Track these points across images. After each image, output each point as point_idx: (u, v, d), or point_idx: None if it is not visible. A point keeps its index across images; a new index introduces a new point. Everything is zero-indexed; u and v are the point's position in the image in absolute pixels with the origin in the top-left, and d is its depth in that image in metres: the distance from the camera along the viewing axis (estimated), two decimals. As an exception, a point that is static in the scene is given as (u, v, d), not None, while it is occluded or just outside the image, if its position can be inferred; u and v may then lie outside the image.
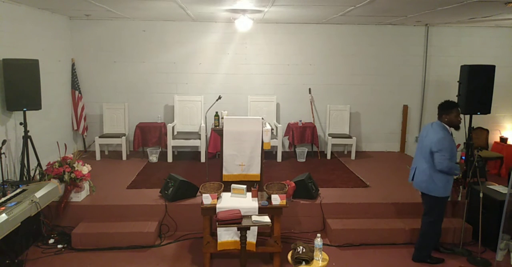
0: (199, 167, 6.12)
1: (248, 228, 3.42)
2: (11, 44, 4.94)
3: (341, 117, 7.18)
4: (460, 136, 5.85)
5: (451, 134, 3.85)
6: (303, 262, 3.07)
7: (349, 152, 7.01)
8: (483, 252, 4.21)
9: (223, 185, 3.96)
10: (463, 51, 7.19)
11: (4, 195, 3.51)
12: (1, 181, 3.98)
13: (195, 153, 6.85)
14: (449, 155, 3.72)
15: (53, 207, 4.46)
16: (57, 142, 4.95)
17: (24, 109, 4.68)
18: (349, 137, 6.95)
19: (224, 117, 4.74)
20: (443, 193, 3.86)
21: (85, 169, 4.68)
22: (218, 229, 3.60)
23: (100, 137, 6.59)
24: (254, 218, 3.40)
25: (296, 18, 6.51)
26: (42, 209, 3.70)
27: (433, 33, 7.21)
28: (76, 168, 4.57)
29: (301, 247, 3.17)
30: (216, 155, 6.45)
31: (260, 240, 3.88)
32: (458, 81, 5.23)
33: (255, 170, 4.64)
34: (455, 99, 5.31)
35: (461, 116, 3.93)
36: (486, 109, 5.16)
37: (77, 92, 6.72)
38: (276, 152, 6.70)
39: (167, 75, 7.10)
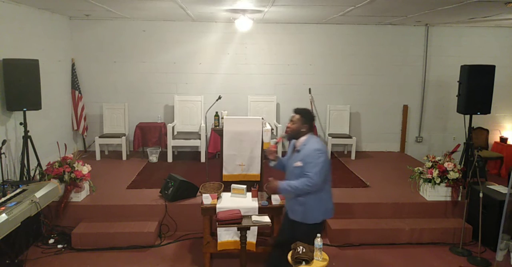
0: (199, 167, 6.11)
1: (248, 228, 3.42)
2: (11, 44, 4.94)
3: (341, 117, 7.18)
4: (460, 136, 5.86)
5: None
6: (303, 262, 3.06)
7: (349, 152, 7.00)
8: (483, 252, 4.21)
9: (223, 185, 3.96)
10: (463, 51, 7.19)
11: (4, 195, 3.51)
12: (1, 181, 3.98)
13: (195, 153, 6.85)
14: None
15: (53, 207, 4.46)
16: (57, 142, 4.95)
17: (24, 109, 4.68)
18: (349, 137, 6.95)
19: (224, 117, 4.74)
20: None
21: (85, 169, 4.68)
22: (218, 229, 3.60)
23: (100, 137, 6.59)
24: (254, 218, 3.40)
25: (296, 18, 6.51)
26: (42, 209, 3.70)
27: (433, 33, 7.20)
28: (76, 168, 4.57)
29: (301, 247, 3.16)
30: (216, 155, 6.45)
31: (260, 240, 3.88)
32: (458, 81, 5.23)
33: (255, 170, 4.64)
34: (455, 99, 5.33)
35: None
36: (486, 109, 5.16)
37: (77, 92, 6.72)
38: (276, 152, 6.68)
39: (167, 75, 7.09)
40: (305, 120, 3.12)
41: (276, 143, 3.34)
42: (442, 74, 7.26)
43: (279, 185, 3.08)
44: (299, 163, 3.05)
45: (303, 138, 3.13)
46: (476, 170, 4.35)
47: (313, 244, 3.13)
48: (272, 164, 3.37)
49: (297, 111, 3.18)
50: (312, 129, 3.18)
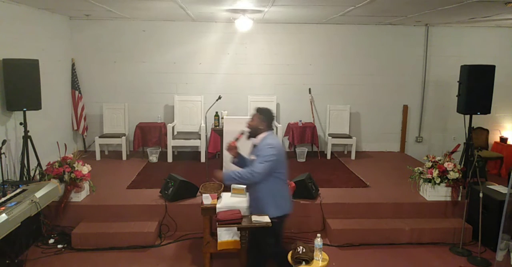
0: (199, 167, 6.11)
1: (248, 228, 3.42)
2: (11, 44, 4.94)
3: (341, 117, 7.18)
4: (460, 136, 5.84)
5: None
6: (303, 262, 3.07)
7: (349, 152, 7.00)
8: (483, 252, 4.21)
9: (223, 185, 3.96)
10: (463, 51, 7.19)
11: (4, 195, 3.51)
12: (1, 181, 3.98)
13: (195, 153, 6.85)
14: None
15: (53, 207, 4.46)
16: (57, 142, 4.95)
17: (24, 109, 4.68)
18: (349, 137, 6.95)
19: (224, 117, 4.75)
20: None
21: (85, 169, 4.68)
22: (218, 229, 3.60)
23: (100, 137, 6.59)
24: (254, 218, 3.39)
25: (296, 18, 6.51)
26: (42, 209, 3.70)
27: (433, 33, 7.20)
28: (76, 168, 4.57)
29: (301, 247, 3.17)
30: (216, 155, 6.45)
31: (260, 240, 3.88)
32: (458, 81, 5.23)
33: (255, 170, 4.63)
34: (455, 99, 5.33)
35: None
36: (486, 109, 5.15)
37: (77, 92, 6.72)
38: (276, 152, 6.68)
39: (167, 75, 7.09)
40: (264, 118, 3.27)
41: (236, 139, 3.39)
42: (442, 74, 7.27)
43: (224, 172, 3.21)
44: (253, 157, 3.21)
45: (261, 135, 3.26)
46: (476, 170, 4.35)
47: (271, 239, 3.21)
48: (233, 160, 3.45)
49: (257, 109, 3.34)
50: (271, 127, 3.31)
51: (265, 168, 3.08)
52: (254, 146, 3.31)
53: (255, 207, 3.32)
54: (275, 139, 3.25)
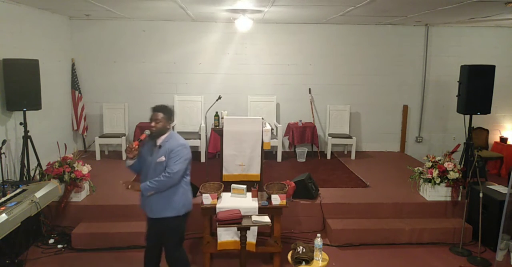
0: (199, 167, 6.11)
1: (248, 228, 3.42)
2: (11, 44, 4.94)
3: (341, 117, 7.18)
4: (460, 136, 5.84)
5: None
6: (303, 262, 3.07)
7: (349, 152, 7.00)
8: (483, 252, 4.21)
9: (223, 185, 3.96)
10: (463, 51, 7.19)
11: (4, 195, 3.51)
12: (1, 181, 3.98)
13: (195, 153, 6.82)
14: None
15: (53, 207, 4.46)
16: (57, 142, 4.95)
17: (24, 109, 4.68)
18: (349, 137, 6.95)
19: (224, 117, 4.75)
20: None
21: (85, 169, 4.68)
22: (218, 229, 3.60)
23: (100, 137, 6.59)
24: (254, 218, 3.40)
25: (296, 18, 6.51)
26: (42, 209, 3.70)
27: (433, 33, 7.20)
28: (76, 168, 4.57)
29: (301, 247, 3.17)
30: (216, 155, 6.45)
31: (260, 240, 3.88)
32: (458, 81, 5.24)
33: (255, 170, 4.65)
34: (455, 99, 5.33)
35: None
36: (486, 109, 5.16)
37: (77, 92, 6.72)
38: (276, 152, 6.70)
39: (167, 75, 7.09)
40: (169, 117, 3.20)
41: (140, 140, 3.23)
42: (442, 74, 7.27)
43: (141, 186, 3.11)
44: (162, 158, 3.11)
45: (164, 135, 3.19)
46: (476, 170, 4.35)
47: (181, 236, 3.23)
48: (129, 163, 3.25)
49: (158, 109, 3.18)
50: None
51: (181, 168, 3.13)
52: (158, 146, 3.17)
53: (163, 205, 3.19)
54: (182, 138, 3.25)
